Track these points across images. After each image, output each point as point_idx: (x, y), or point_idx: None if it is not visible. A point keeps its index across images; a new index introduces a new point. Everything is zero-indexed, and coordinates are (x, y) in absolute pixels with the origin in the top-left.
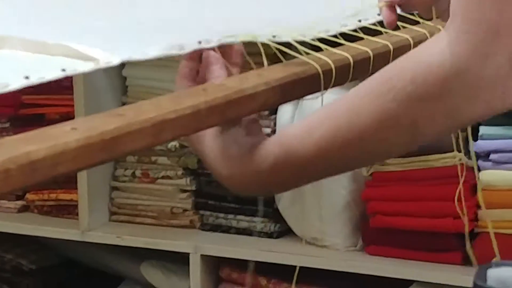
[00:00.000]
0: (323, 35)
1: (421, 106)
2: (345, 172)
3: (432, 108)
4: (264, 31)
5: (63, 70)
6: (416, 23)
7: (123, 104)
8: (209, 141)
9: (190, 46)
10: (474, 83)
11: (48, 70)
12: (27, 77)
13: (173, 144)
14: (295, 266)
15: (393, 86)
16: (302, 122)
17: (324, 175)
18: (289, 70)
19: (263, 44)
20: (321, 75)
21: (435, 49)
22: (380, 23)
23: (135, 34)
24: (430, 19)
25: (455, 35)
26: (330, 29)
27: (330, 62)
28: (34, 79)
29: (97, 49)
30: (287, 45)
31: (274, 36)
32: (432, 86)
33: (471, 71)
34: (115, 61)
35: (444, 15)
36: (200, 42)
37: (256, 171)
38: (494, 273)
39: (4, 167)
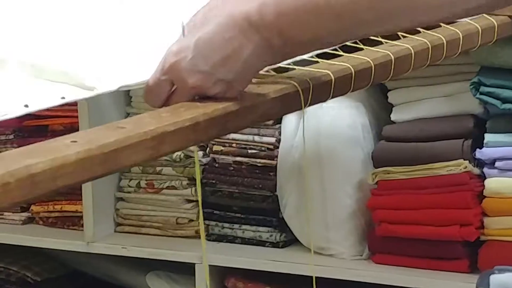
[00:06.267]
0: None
1: None
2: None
3: None
4: None
5: (63, 97)
6: (416, 32)
7: (127, 114)
8: None
9: None
10: None
11: (47, 98)
12: (26, 105)
13: (178, 154)
14: (301, 275)
15: None
16: None
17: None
18: (288, 81)
19: None
20: (333, 85)
21: None
22: None
23: (133, 59)
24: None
25: None
26: None
27: (330, 73)
28: (33, 108)
29: (95, 75)
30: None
31: None
32: None
33: None
34: (113, 87)
35: None
36: None
37: None
38: (497, 279)
39: (3, 181)
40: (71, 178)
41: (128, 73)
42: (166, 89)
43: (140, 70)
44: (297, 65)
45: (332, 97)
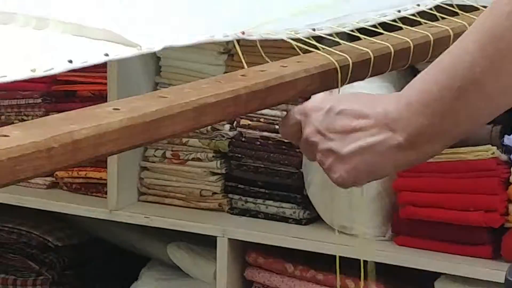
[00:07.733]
0: (362, 25)
1: None
2: None
3: None
4: (301, 24)
5: (106, 54)
6: (455, 14)
7: (156, 84)
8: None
9: (232, 36)
10: None
11: (91, 54)
12: (70, 61)
13: None
14: (322, 253)
15: None
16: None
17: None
18: (328, 58)
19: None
20: (371, 63)
21: None
22: (420, 14)
23: (176, 20)
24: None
25: None
26: (369, 19)
27: (369, 51)
28: (78, 63)
29: (139, 35)
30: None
31: (313, 30)
32: None
33: None
34: (157, 47)
35: None
36: (243, 33)
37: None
38: None
39: (47, 146)
40: (114, 145)
41: (172, 34)
42: (295, 128)
43: (184, 32)
44: (338, 39)
45: (370, 76)
